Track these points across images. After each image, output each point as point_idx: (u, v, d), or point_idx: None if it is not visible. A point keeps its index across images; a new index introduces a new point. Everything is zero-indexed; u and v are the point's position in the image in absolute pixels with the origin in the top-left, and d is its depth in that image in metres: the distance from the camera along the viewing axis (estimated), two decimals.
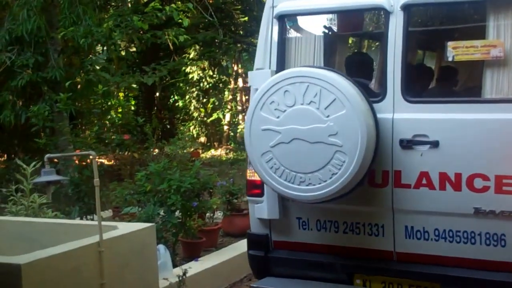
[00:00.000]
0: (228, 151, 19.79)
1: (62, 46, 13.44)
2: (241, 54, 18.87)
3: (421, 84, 6.33)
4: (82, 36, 12.24)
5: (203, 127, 20.49)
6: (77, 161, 10.41)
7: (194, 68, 19.08)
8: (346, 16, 6.19)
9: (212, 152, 19.92)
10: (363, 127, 4.66)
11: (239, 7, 17.81)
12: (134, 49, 16.63)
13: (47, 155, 5.75)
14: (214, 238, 9.26)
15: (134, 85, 14.69)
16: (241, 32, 18.14)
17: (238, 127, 21.24)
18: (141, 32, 13.75)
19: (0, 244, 6.56)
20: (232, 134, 22.00)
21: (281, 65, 5.47)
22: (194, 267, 7.54)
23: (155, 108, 21.02)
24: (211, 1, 16.41)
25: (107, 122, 12.95)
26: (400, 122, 4.99)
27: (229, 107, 20.73)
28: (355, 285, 5.30)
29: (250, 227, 5.78)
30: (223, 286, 7.91)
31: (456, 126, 4.84)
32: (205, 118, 20.09)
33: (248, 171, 5.64)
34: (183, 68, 18.53)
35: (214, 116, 20.00)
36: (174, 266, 7.55)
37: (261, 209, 5.54)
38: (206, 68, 19.44)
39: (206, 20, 16.56)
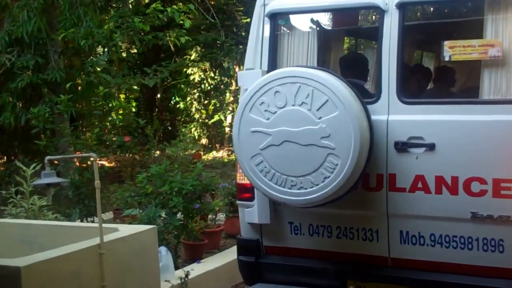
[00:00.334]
0: (229, 152, 19.76)
1: (63, 47, 13.40)
2: (243, 55, 18.86)
3: (417, 84, 6.21)
4: (82, 37, 12.20)
5: (205, 129, 20.49)
6: (77, 163, 10.41)
7: (195, 69, 19.08)
8: (340, 15, 6.06)
9: (214, 154, 19.91)
10: (356, 129, 4.53)
11: (241, 8, 17.79)
12: (135, 50, 16.63)
13: (47, 157, 5.72)
14: (216, 240, 9.24)
15: (135, 87, 14.66)
16: (243, 34, 18.14)
17: None
18: (142, 33, 13.73)
19: (0, 246, 6.47)
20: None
21: (273, 65, 5.34)
22: (196, 269, 7.50)
23: (156, 109, 21.03)
24: (213, 3, 16.39)
25: (108, 124, 12.92)
26: (395, 124, 4.86)
27: (230, 108, 20.71)
28: None
29: (240, 231, 5.66)
30: None
31: (452, 128, 4.71)
32: (207, 120, 20.09)
33: (238, 174, 5.51)
34: (184, 69, 18.54)
35: (216, 117, 19.98)
36: (176, 268, 7.50)
37: (252, 214, 5.40)
38: (208, 69, 19.44)
39: (208, 22, 16.55)
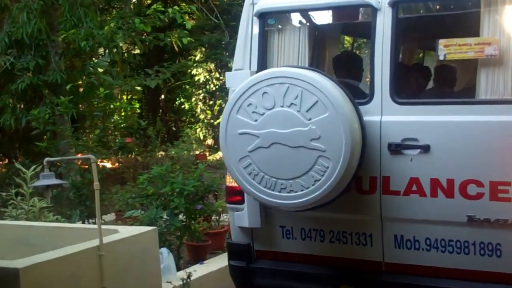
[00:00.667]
0: None
1: (63, 49, 13.40)
2: None
3: (414, 84, 6.07)
4: (83, 38, 12.19)
5: (210, 129, 20.52)
6: (79, 165, 10.41)
7: (200, 70, 19.12)
8: (331, 14, 5.94)
9: (219, 154, 19.95)
10: (347, 131, 4.40)
11: None
12: (137, 51, 16.66)
13: (46, 159, 5.72)
14: (220, 240, 9.13)
15: (138, 88, 14.65)
16: None
17: None
18: (144, 34, 13.73)
19: (0, 248, 6.50)
20: None
21: (262, 65, 5.22)
22: (199, 270, 7.43)
23: (160, 110, 21.04)
24: (217, 3, 16.36)
25: (110, 125, 12.91)
26: (389, 125, 4.73)
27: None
28: None
29: (230, 236, 5.56)
30: None
31: (448, 129, 4.58)
32: (212, 121, 20.12)
33: (227, 177, 5.41)
34: (189, 70, 18.56)
35: (221, 118, 20.02)
36: (179, 269, 7.46)
37: (242, 217, 5.29)
38: (213, 70, 19.47)
39: (212, 22, 16.55)
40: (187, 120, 21.20)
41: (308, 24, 5.49)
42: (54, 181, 5.59)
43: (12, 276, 4.84)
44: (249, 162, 4.72)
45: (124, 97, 16.15)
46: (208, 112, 20.13)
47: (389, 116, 4.75)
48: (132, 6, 16.01)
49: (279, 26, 5.39)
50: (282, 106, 4.57)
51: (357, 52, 7.89)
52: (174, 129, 20.83)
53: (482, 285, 4.51)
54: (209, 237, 8.77)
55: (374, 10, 4.84)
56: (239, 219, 5.32)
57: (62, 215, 8.81)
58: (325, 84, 4.51)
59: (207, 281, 7.42)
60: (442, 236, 4.64)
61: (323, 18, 6.07)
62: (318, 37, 5.98)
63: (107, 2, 15.45)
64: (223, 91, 18.91)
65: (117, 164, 14.45)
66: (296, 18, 5.57)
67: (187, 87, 20.21)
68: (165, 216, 8.35)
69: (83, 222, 9.15)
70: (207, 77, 19.55)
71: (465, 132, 4.51)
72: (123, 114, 14.26)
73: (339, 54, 6.35)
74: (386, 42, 4.78)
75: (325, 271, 5.09)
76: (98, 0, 13.87)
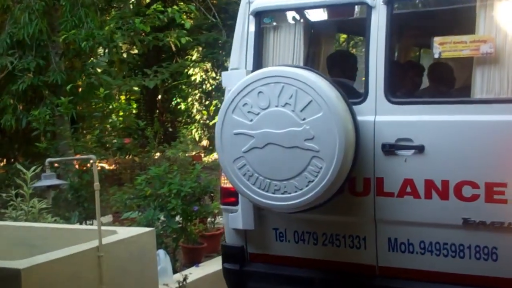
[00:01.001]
0: None
1: (63, 49, 13.42)
2: None
3: (408, 83, 5.97)
4: (83, 39, 12.21)
5: (205, 130, 20.49)
6: (77, 166, 10.43)
7: (196, 70, 19.09)
8: (327, 12, 5.84)
9: (215, 155, 19.94)
10: (341, 131, 4.32)
11: None
12: (136, 51, 16.66)
13: (48, 159, 5.68)
14: (215, 243, 9.00)
15: (136, 88, 14.67)
16: None
17: None
18: (143, 34, 13.73)
19: (0, 249, 6.48)
20: None
21: (258, 64, 5.14)
22: (194, 273, 7.39)
23: (157, 111, 21.03)
24: (214, 2, 16.35)
25: (108, 126, 12.92)
26: (383, 125, 4.64)
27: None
28: None
29: (225, 238, 5.48)
30: None
31: (442, 129, 4.48)
32: (208, 121, 20.10)
33: (222, 178, 5.33)
34: (186, 70, 18.53)
35: (216, 118, 20.01)
36: (174, 272, 7.42)
37: (236, 219, 5.20)
38: (209, 70, 19.44)
39: (209, 21, 16.53)
40: (183, 120, 21.16)
41: (303, 22, 5.39)
42: (55, 181, 5.57)
43: (13, 276, 4.86)
44: (244, 162, 4.65)
45: (122, 97, 16.14)
46: (204, 112, 20.10)
47: (383, 116, 4.67)
48: (131, 6, 16.00)
49: (275, 25, 5.32)
50: (277, 106, 4.51)
51: (353, 50, 7.82)
52: (170, 129, 20.81)
53: None
54: (205, 240, 8.72)
55: (368, 8, 4.77)
56: (233, 220, 5.24)
57: (61, 217, 8.83)
58: (319, 84, 4.45)
59: (203, 284, 7.39)
60: (436, 239, 4.54)
61: (318, 16, 5.99)
62: (313, 36, 5.90)
63: (107, 2, 15.44)
64: (219, 91, 18.83)
65: (114, 165, 14.44)
66: (291, 16, 5.47)
67: (184, 87, 20.18)
68: (162, 218, 8.34)
69: (81, 224, 9.14)
70: (204, 76, 19.50)
71: (460, 132, 4.43)
72: (121, 114, 14.29)
73: (333, 53, 6.27)
74: (381, 40, 4.70)
75: (318, 275, 5.01)
76: (98, 0, 13.87)
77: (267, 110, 4.55)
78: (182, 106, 20.76)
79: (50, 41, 12.85)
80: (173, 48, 15.32)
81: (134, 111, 15.15)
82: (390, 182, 4.62)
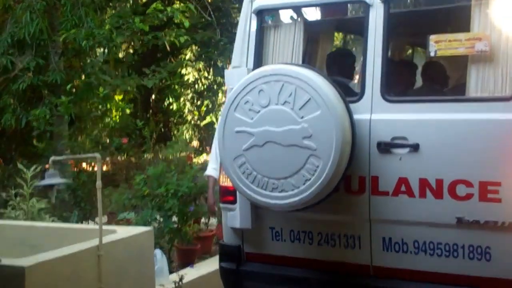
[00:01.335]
0: None
1: (63, 48, 13.47)
2: None
3: (403, 81, 5.94)
4: (83, 38, 12.26)
5: (196, 131, 20.43)
6: (73, 167, 10.47)
7: (190, 69, 19.05)
8: (326, 10, 5.87)
9: (205, 156, 19.90)
10: (338, 129, 4.31)
11: (237, 5, 17.74)
12: (131, 50, 16.65)
13: (52, 158, 5.72)
14: (208, 245, 9.14)
15: (134, 88, 14.65)
16: (235, 31, 17.97)
17: None
18: (139, 33, 13.75)
19: (0, 248, 6.47)
20: None
21: (258, 62, 5.14)
22: (189, 274, 7.41)
23: (150, 111, 21.01)
24: (209, 0, 16.38)
25: (107, 126, 12.93)
26: (378, 124, 4.63)
27: (222, 109, 20.56)
28: None
29: (218, 239, 5.45)
30: None
31: (437, 128, 4.47)
32: (199, 121, 20.04)
33: (221, 177, 5.30)
34: (179, 69, 18.52)
35: (208, 119, 19.97)
36: (170, 272, 7.42)
37: (234, 218, 5.18)
38: (202, 69, 19.42)
39: (203, 20, 16.53)
40: (175, 121, 21.11)
41: (303, 21, 5.38)
42: (59, 180, 5.64)
43: (17, 274, 4.92)
44: (244, 161, 4.64)
45: (117, 97, 16.11)
46: (195, 113, 20.03)
47: (379, 114, 4.66)
48: (128, 5, 16.00)
49: (276, 23, 5.33)
50: (276, 104, 4.50)
51: (353, 49, 7.84)
52: (162, 130, 20.76)
53: None
54: (198, 241, 8.75)
55: (366, 6, 4.78)
56: (231, 219, 5.22)
57: (58, 217, 8.86)
58: (318, 82, 4.44)
59: (199, 285, 7.41)
60: (430, 239, 4.52)
61: (318, 14, 6.04)
62: (312, 34, 5.91)
63: (106, 0, 15.44)
64: (210, 91, 18.81)
65: (108, 166, 14.44)
66: (291, 15, 5.50)
67: (176, 87, 20.14)
68: (158, 218, 8.39)
69: (78, 223, 9.22)
70: (196, 76, 19.43)
71: (454, 131, 4.42)
72: (114, 114, 14.29)
73: (332, 51, 6.27)
74: (378, 38, 4.71)
75: (313, 275, 4.98)
76: None
77: (267, 108, 4.55)
78: (174, 106, 20.70)
79: (50, 41, 12.86)
80: (168, 48, 15.30)
81: (128, 111, 15.12)
82: (385, 181, 4.61)
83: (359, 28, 5.13)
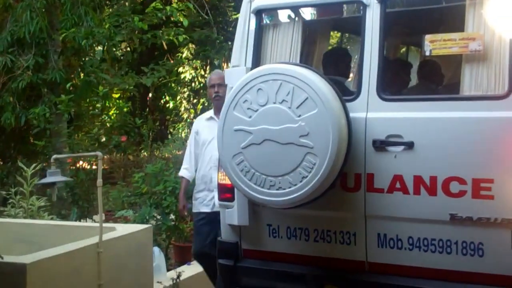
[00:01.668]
0: None
1: (62, 47, 13.52)
2: (231, 52, 18.69)
3: (399, 81, 6.00)
4: (83, 37, 12.31)
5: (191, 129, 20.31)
6: (71, 165, 10.49)
7: (187, 67, 19.06)
8: (323, 10, 5.94)
9: None
10: (335, 128, 4.38)
11: (232, 4, 17.81)
12: (129, 49, 16.67)
13: (54, 156, 5.80)
14: None
15: (132, 86, 14.69)
16: (231, 29, 18.03)
17: None
18: (138, 32, 13.79)
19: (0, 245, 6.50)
20: None
21: (257, 62, 5.21)
22: (186, 271, 7.48)
23: (147, 109, 21.02)
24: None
25: (107, 124, 12.94)
26: (374, 122, 4.70)
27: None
28: None
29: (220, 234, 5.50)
30: None
31: (431, 126, 4.54)
32: (194, 120, 19.98)
33: (219, 174, 5.36)
34: (176, 68, 18.57)
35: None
36: (167, 269, 7.53)
37: (232, 215, 5.22)
38: (198, 67, 19.43)
39: (200, 18, 16.60)
40: (171, 119, 21.09)
41: (301, 21, 5.46)
42: (60, 178, 5.71)
43: (19, 270, 5.00)
44: (242, 158, 4.70)
45: (114, 95, 16.14)
46: (192, 111, 20.03)
47: (375, 113, 4.72)
48: (127, 3, 16.05)
49: (274, 23, 5.40)
50: (274, 103, 4.56)
51: (350, 48, 7.89)
52: (159, 127, 20.76)
53: (464, 286, 4.45)
54: None
55: (363, 6, 4.84)
56: (229, 216, 5.26)
57: (57, 215, 8.91)
58: (315, 81, 4.50)
59: (196, 282, 7.47)
60: (424, 235, 4.58)
61: (315, 14, 6.13)
62: (310, 34, 5.98)
63: None
64: (206, 88, 18.93)
65: (105, 164, 14.46)
66: (289, 15, 5.57)
67: (173, 85, 20.16)
68: (155, 215, 8.46)
69: (77, 221, 9.25)
70: (193, 74, 19.43)
71: (448, 129, 4.48)
72: (111, 112, 14.31)
73: (329, 51, 6.32)
74: (375, 38, 4.77)
75: (310, 271, 5.03)
76: None
77: (265, 107, 4.60)
78: (171, 105, 20.69)
79: (50, 39, 12.91)
80: (165, 47, 15.35)
81: (125, 109, 15.11)
82: (380, 178, 4.68)
83: (356, 27, 5.19)
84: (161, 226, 8.34)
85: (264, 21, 5.42)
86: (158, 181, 8.70)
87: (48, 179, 5.65)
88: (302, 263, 5.08)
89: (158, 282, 6.84)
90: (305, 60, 5.81)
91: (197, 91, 19.81)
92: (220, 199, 5.42)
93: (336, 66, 5.57)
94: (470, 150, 4.39)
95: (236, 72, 5.17)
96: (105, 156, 12.48)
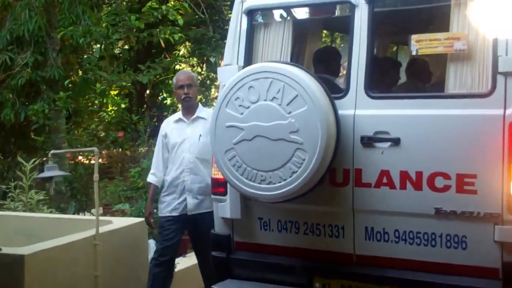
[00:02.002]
0: None
1: (60, 45, 13.65)
2: None
3: (386, 79, 6.07)
4: (81, 35, 12.43)
5: None
6: (70, 160, 10.59)
7: (183, 65, 19.11)
8: (313, 10, 6.05)
9: None
10: (324, 124, 4.50)
11: (228, 2, 17.89)
12: (126, 47, 16.74)
13: (52, 151, 5.91)
14: None
15: (129, 84, 14.79)
16: (227, 28, 18.04)
17: None
18: (137, 30, 13.88)
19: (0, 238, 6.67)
20: None
21: (249, 60, 5.32)
22: (182, 263, 7.56)
23: (145, 106, 21.09)
24: None
25: (105, 120, 13.05)
26: (362, 119, 4.81)
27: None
28: None
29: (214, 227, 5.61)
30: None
31: (416, 123, 4.65)
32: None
33: (212, 169, 5.47)
34: (173, 65, 18.63)
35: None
36: None
37: (224, 208, 5.35)
38: (195, 65, 19.48)
39: (197, 17, 16.68)
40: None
41: (291, 20, 5.57)
42: (58, 172, 5.84)
43: (17, 261, 5.16)
44: (234, 154, 4.82)
45: (112, 92, 16.22)
46: None
47: (363, 110, 4.83)
48: (124, 3, 16.14)
49: (265, 23, 5.52)
50: (265, 100, 4.67)
51: (340, 47, 7.97)
52: (156, 124, 20.82)
53: (448, 277, 4.55)
54: None
55: (352, 6, 4.94)
56: (222, 210, 5.37)
57: (56, 208, 9.02)
58: (305, 79, 4.62)
59: (191, 273, 7.51)
60: (410, 228, 4.69)
61: (305, 14, 6.24)
62: (300, 33, 6.05)
63: None
64: (203, 86, 18.96)
65: (103, 159, 14.53)
66: (281, 14, 5.70)
67: (170, 82, 20.26)
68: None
69: (75, 214, 9.34)
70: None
71: (433, 126, 4.58)
72: (110, 109, 14.38)
73: (319, 49, 6.41)
74: (363, 37, 4.87)
75: (300, 263, 5.14)
76: None
77: (256, 104, 4.72)
78: (168, 101, 20.74)
79: (48, 38, 13.01)
80: (162, 44, 15.43)
81: (123, 105, 15.19)
82: (368, 173, 4.79)
83: (345, 27, 5.30)
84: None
85: (256, 21, 5.53)
86: None
87: (46, 174, 5.77)
88: (292, 255, 5.20)
89: None
90: (296, 58, 5.92)
91: None
92: (213, 193, 5.54)
93: (326, 65, 5.69)
94: (454, 146, 4.50)
95: (228, 70, 5.30)
96: (103, 151, 12.64)
